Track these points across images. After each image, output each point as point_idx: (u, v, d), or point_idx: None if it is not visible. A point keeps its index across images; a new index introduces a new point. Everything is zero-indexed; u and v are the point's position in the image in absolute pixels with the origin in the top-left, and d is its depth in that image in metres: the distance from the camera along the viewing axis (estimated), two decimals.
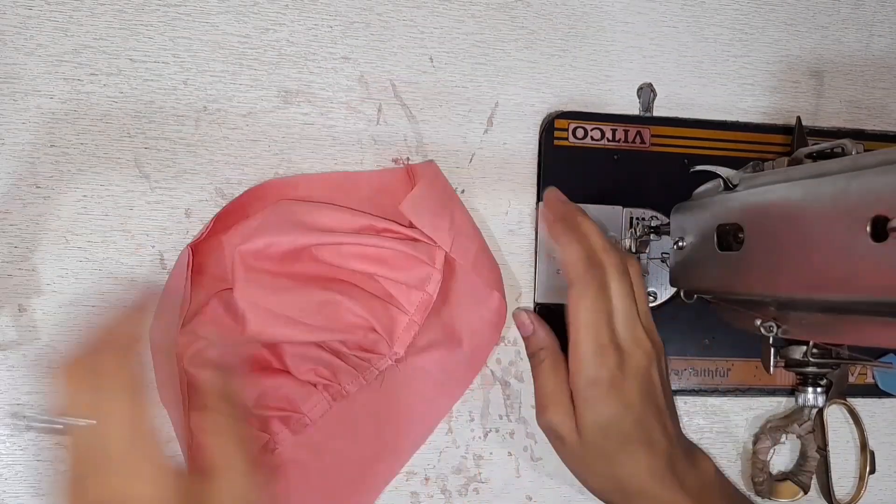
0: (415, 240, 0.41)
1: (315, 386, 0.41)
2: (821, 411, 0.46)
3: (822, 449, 0.47)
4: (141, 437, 0.30)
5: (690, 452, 0.38)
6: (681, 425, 0.39)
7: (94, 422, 0.30)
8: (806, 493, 0.47)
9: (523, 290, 0.46)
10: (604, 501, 0.38)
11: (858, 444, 0.49)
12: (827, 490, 0.47)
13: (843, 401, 0.48)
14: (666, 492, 0.36)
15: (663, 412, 0.37)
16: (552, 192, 0.42)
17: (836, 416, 0.49)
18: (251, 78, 0.44)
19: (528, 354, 0.41)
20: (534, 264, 0.46)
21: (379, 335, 0.41)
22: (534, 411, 0.45)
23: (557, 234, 0.39)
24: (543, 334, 0.41)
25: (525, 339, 0.42)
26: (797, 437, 0.47)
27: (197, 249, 0.41)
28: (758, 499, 0.47)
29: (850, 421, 0.49)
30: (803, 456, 0.48)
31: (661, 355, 0.38)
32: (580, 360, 0.36)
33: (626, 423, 0.36)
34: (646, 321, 0.38)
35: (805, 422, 0.46)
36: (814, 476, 0.47)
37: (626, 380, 0.36)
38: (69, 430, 0.30)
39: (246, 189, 0.43)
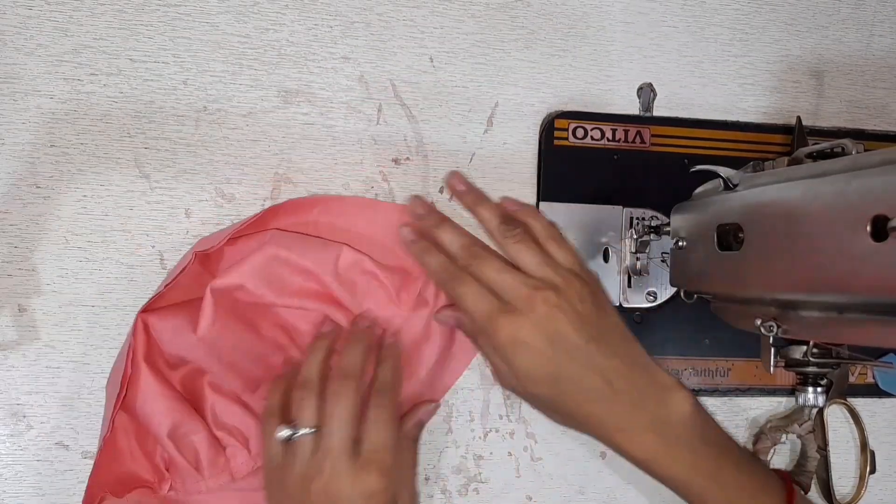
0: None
1: (224, 448, 0.40)
2: (821, 411, 0.46)
3: (823, 449, 0.47)
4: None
5: (660, 390, 0.36)
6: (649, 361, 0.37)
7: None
8: (806, 493, 0.47)
9: None
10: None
11: (858, 443, 0.49)
12: (827, 490, 0.47)
13: (843, 400, 0.48)
14: (620, 434, 0.36)
15: (600, 352, 0.36)
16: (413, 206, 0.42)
17: (836, 416, 0.49)
18: (251, 78, 0.44)
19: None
20: None
21: None
22: (533, 410, 0.46)
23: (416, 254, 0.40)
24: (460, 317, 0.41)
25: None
26: (797, 437, 0.47)
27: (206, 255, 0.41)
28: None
29: (851, 421, 0.49)
30: (804, 456, 0.48)
31: (576, 291, 0.36)
32: (479, 330, 0.36)
33: (541, 372, 0.35)
34: (535, 270, 0.36)
35: (805, 422, 0.46)
36: (814, 476, 0.47)
37: (524, 330, 0.35)
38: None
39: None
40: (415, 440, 0.42)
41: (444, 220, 0.40)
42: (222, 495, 0.40)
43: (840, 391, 0.48)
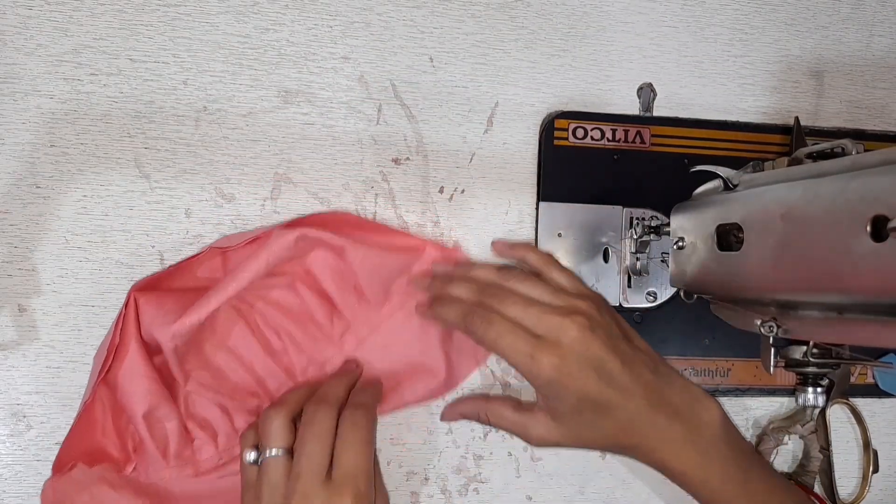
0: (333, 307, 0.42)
1: (192, 440, 0.40)
2: (823, 411, 0.46)
3: (825, 449, 0.47)
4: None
5: (689, 400, 0.37)
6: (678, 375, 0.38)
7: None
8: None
9: None
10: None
11: (861, 443, 0.49)
12: (830, 490, 0.47)
13: (845, 400, 0.48)
14: (660, 450, 0.36)
15: (635, 373, 0.36)
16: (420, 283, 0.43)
17: (837, 416, 0.49)
18: (251, 78, 0.44)
19: (483, 423, 0.42)
20: None
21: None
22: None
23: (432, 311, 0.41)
24: (471, 405, 0.42)
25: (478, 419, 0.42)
26: (800, 437, 0.47)
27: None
28: None
29: (852, 421, 0.49)
30: (806, 456, 0.48)
31: (597, 311, 0.37)
32: (523, 370, 0.36)
33: (593, 395, 0.36)
34: (553, 299, 0.37)
35: (807, 422, 0.46)
36: (817, 476, 0.47)
37: (573, 366, 0.35)
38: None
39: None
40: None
41: (452, 276, 0.41)
42: (183, 485, 0.40)
43: (841, 391, 0.48)
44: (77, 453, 0.38)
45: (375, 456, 0.39)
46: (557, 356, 0.35)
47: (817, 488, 0.48)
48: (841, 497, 0.48)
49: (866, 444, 0.49)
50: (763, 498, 0.37)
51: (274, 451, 0.36)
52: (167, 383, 0.39)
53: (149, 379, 0.38)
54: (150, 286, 0.40)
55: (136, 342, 0.39)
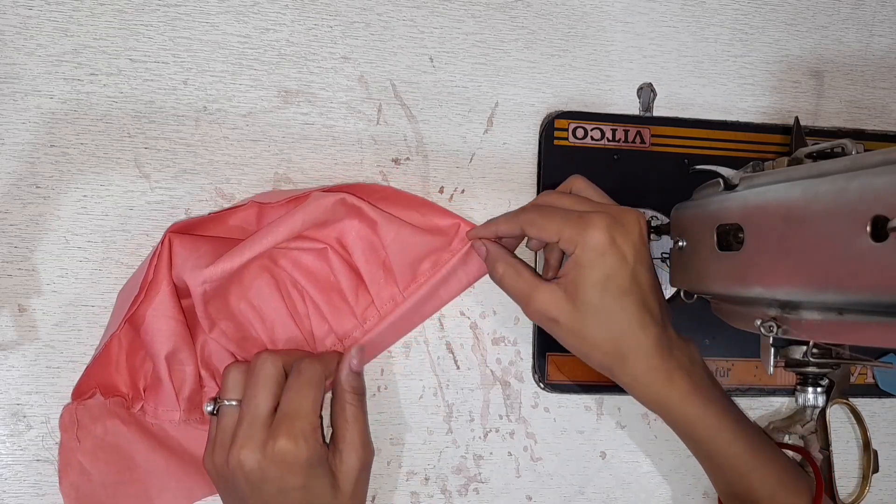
0: (359, 278, 0.42)
1: (203, 387, 0.41)
2: (823, 411, 0.46)
3: (825, 449, 0.47)
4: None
5: (679, 338, 0.39)
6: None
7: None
8: None
9: None
10: (605, 373, 0.39)
11: (861, 443, 0.49)
12: (830, 490, 0.47)
13: (845, 401, 0.48)
14: (657, 350, 0.37)
15: (654, 284, 0.38)
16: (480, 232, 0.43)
17: (837, 416, 0.49)
18: (251, 78, 0.44)
19: (489, 272, 0.41)
20: (534, 263, 0.46)
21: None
22: (533, 410, 0.46)
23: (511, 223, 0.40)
24: (494, 249, 0.41)
25: (485, 262, 0.42)
26: (800, 437, 0.47)
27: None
28: None
29: (852, 421, 0.49)
30: None
31: (645, 233, 0.38)
32: (571, 233, 0.37)
33: (623, 276, 0.36)
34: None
35: (807, 422, 0.46)
36: None
37: (619, 239, 0.36)
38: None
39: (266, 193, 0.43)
40: (356, 392, 0.40)
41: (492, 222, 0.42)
42: (185, 431, 0.41)
43: (841, 391, 0.48)
44: (95, 384, 0.40)
45: (363, 409, 0.40)
46: (610, 221, 0.36)
47: None
48: (841, 497, 0.48)
49: (866, 444, 0.49)
50: (757, 439, 0.39)
51: (226, 403, 0.38)
52: (190, 327, 0.40)
53: (176, 321, 0.39)
54: (186, 229, 0.40)
55: (168, 282, 0.39)
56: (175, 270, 0.39)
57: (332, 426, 0.40)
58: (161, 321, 0.38)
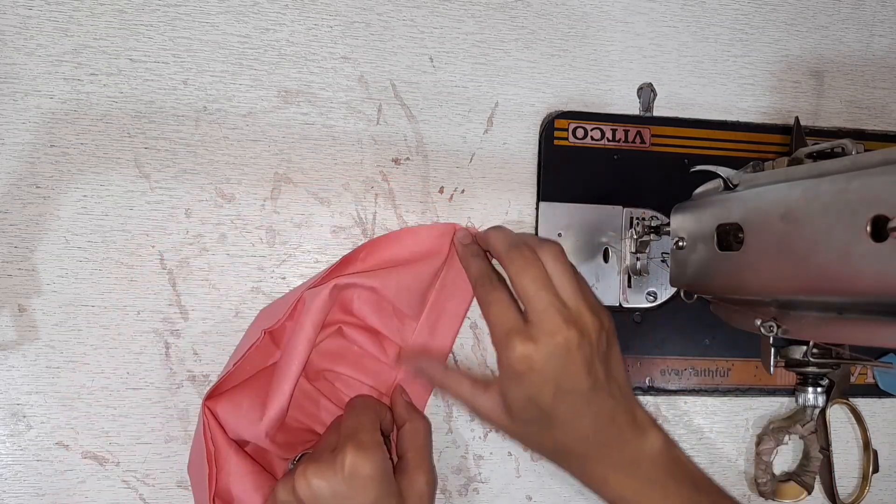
0: (377, 334, 0.43)
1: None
2: (823, 411, 0.46)
3: (826, 449, 0.47)
4: None
5: (636, 429, 0.36)
6: (636, 402, 0.38)
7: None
8: (810, 493, 0.47)
9: None
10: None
11: (861, 443, 0.49)
12: (831, 490, 0.47)
13: (845, 401, 0.48)
14: (590, 462, 0.36)
15: (598, 399, 0.36)
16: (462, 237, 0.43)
17: (837, 416, 0.49)
18: (251, 78, 0.44)
19: (433, 389, 0.43)
20: None
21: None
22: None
23: (464, 259, 0.42)
24: (428, 365, 0.41)
25: (428, 382, 0.42)
26: (800, 437, 0.47)
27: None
28: (761, 500, 0.47)
29: (852, 421, 0.49)
30: (806, 456, 0.48)
31: (596, 333, 0.36)
32: (495, 341, 0.36)
33: (546, 393, 0.35)
34: (570, 298, 0.36)
35: (807, 422, 0.46)
36: (817, 476, 0.47)
37: (537, 361, 0.35)
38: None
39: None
40: (414, 422, 0.41)
41: (500, 227, 0.41)
42: None
43: (841, 391, 0.48)
44: None
45: (428, 434, 0.41)
46: (532, 350, 0.34)
47: (818, 488, 0.48)
48: (841, 497, 0.48)
49: (866, 444, 0.49)
50: None
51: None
52: (267, 463, 0.41)
53: (255, 473, 0.39)
54: (216, 393, 0.40)
55: (229, 446, 0.39)
56: (231, 433, 0.39)
57: (397, 455, 0.40)
58: (244, 482, 0.39)
